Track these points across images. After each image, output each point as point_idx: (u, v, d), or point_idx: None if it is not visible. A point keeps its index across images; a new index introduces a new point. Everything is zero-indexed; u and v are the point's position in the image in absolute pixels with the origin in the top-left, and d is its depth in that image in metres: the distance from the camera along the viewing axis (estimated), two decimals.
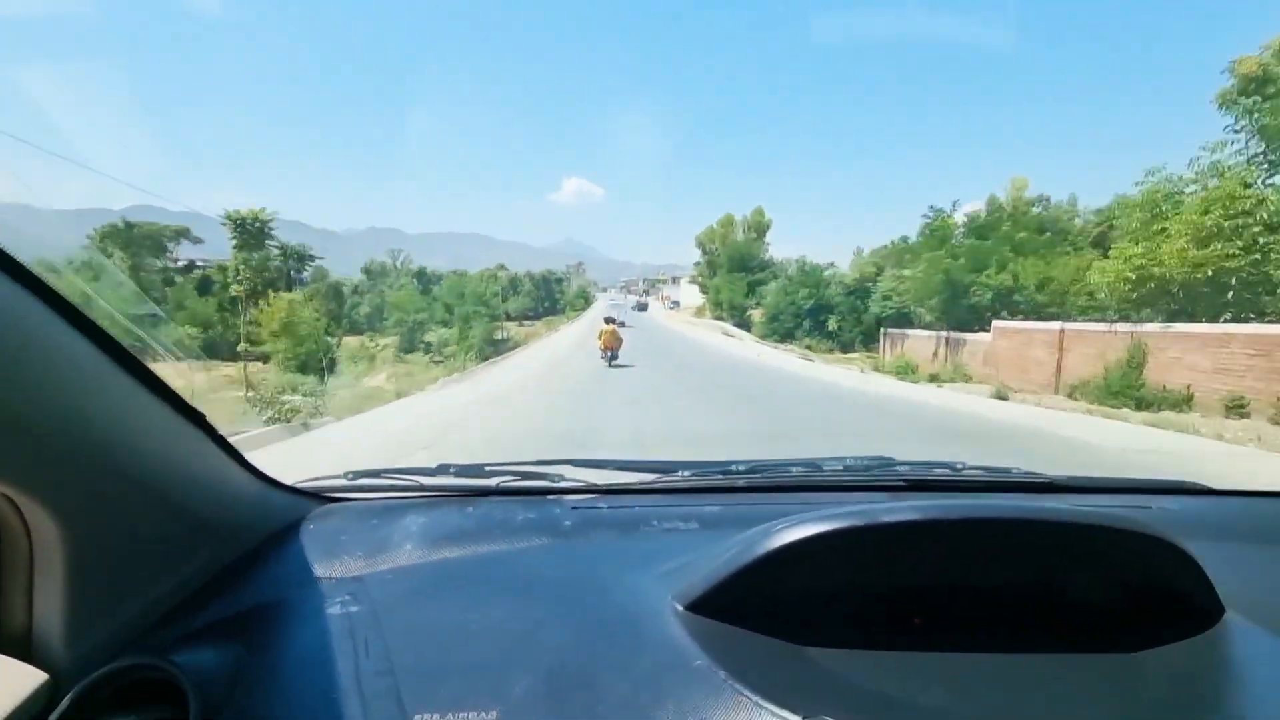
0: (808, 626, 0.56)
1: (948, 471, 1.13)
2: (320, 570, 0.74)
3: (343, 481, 1.01)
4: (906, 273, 23.54)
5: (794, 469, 1.14)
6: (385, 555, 0.77)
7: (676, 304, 72.93)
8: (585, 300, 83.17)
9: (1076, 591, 0.60)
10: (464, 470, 1.06)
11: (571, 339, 28.65)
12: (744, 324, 37.77)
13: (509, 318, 68.25)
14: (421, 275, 53.17)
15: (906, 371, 17.17)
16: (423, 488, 1.02)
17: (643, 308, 69.23)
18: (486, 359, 23.98)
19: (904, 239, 29.30)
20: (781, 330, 34.01)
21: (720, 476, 1.09)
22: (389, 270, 54.69)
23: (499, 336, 38.08)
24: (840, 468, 1.13)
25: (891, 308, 25.52)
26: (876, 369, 18.66)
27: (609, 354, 15.29)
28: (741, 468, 1.12)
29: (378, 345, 35.78)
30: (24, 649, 0.54)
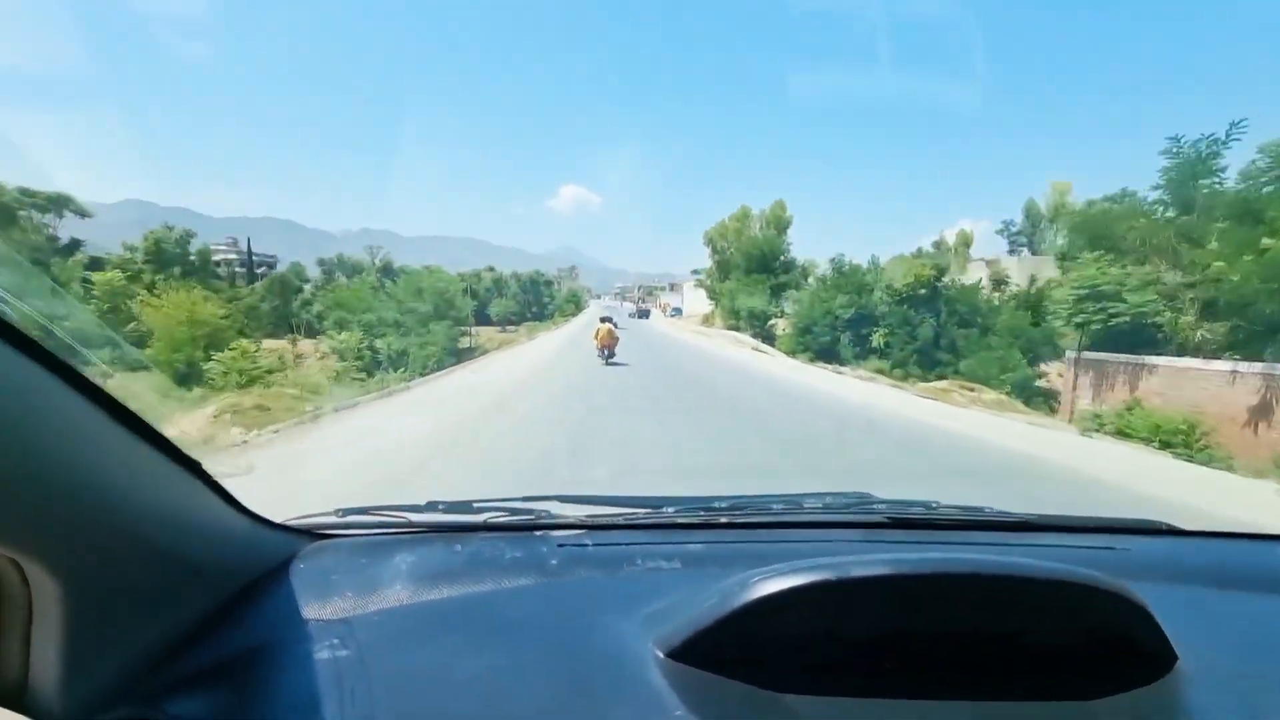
0: (785, 674, 0.59)
1: (922, 510, 1.14)
2: (311, 611, 0.74)
3: (333, 518, 1.01)
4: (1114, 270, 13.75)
5: (775, 505, 1.15)
6: (374, 595, 0.77)
7: (678, 311, 65.58)
8: (576, 305, 76.38)
9: (1039, 639, 0.63)
10: (452, 507, 1.06)
11: (541, 354, 21.52)
12: (766, 336, 31.02)
13: (492, 322, 61.46)
14: (388, 271, 45.80)
15: (1186, 443, 9.22)
16: (412, 524, 1.01)
17: (643, 314, 61.44)
18: (427, 374, 17.24)
19: (1099, 200, 18.57)
20: (816, 346, 27.25)
21: (704, 513, 1.10)
22: (364, 268, 47.50)
23: (465, 344, 31.35)
24: (820, 505, 1.15)
25: (1113, 316, 13.67)
26: (1093, 423, 10.85)
27: (605, 352, 15.54)
28: (724, 504, 1.13)
29: (318, 353, 28.98)
30: (18, 700, 0.54)
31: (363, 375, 26.37)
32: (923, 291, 27.32)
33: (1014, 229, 49.88)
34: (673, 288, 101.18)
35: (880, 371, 20.62)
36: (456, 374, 15.54)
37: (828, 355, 26.45)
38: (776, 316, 32.04)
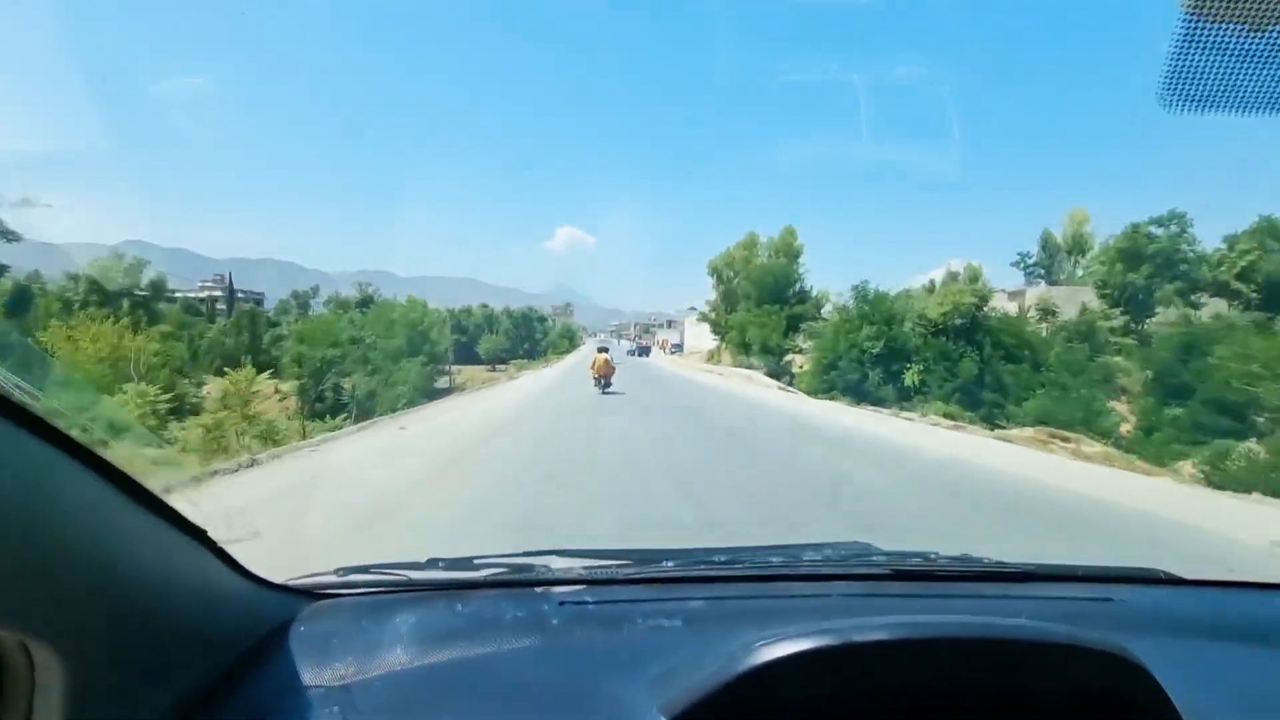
0: None
1: (921, 560, 1.14)
2: (312, 676, 0.74)
3: (333, 578, 1.01)
4: None
5: (774, 558, 1.15)
6: (376, 659, 0.77)
7: (679, 347, 62.20)
8: (570, 342, 73.12)
9: (1041, 700, 0.63)
10: (453, 564, 1.06)
11: (525, 395, 18.05)
12: (781, 373, 27.63)
13: (480, 360, 57.98)
14: (368, 304, 42.55)
15: None
16: (412, 583, 1.01)
17: (643, 351, 56.70)
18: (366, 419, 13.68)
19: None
20: (841, 383, 23.81)
21: (703, 566, 1.10)
22: (350, 304, 44.07)
23: (444, 383, 27.90)
24: (819, 557, 1.15)
25: None
26: None
27: (602, 381, 16.55)
28: (723, 558, 1.13)
29: (278, 393, 25.39)
30: None
31: (317, 418, 22.92)
32: (961, 322, 24.28)
33: (1030, 261, 47.52)
34: (670, 324, 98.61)
35: (948, 415, 16.85)
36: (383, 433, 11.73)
37: (855, 394, 23.04)
38: (793, 351, 28.76)
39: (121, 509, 0.59)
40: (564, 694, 0.72)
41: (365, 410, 21.33)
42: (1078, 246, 42.28)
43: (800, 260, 31.88)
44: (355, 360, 26.19)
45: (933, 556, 1.15)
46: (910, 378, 23.85)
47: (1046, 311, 27.03)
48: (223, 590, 0.76)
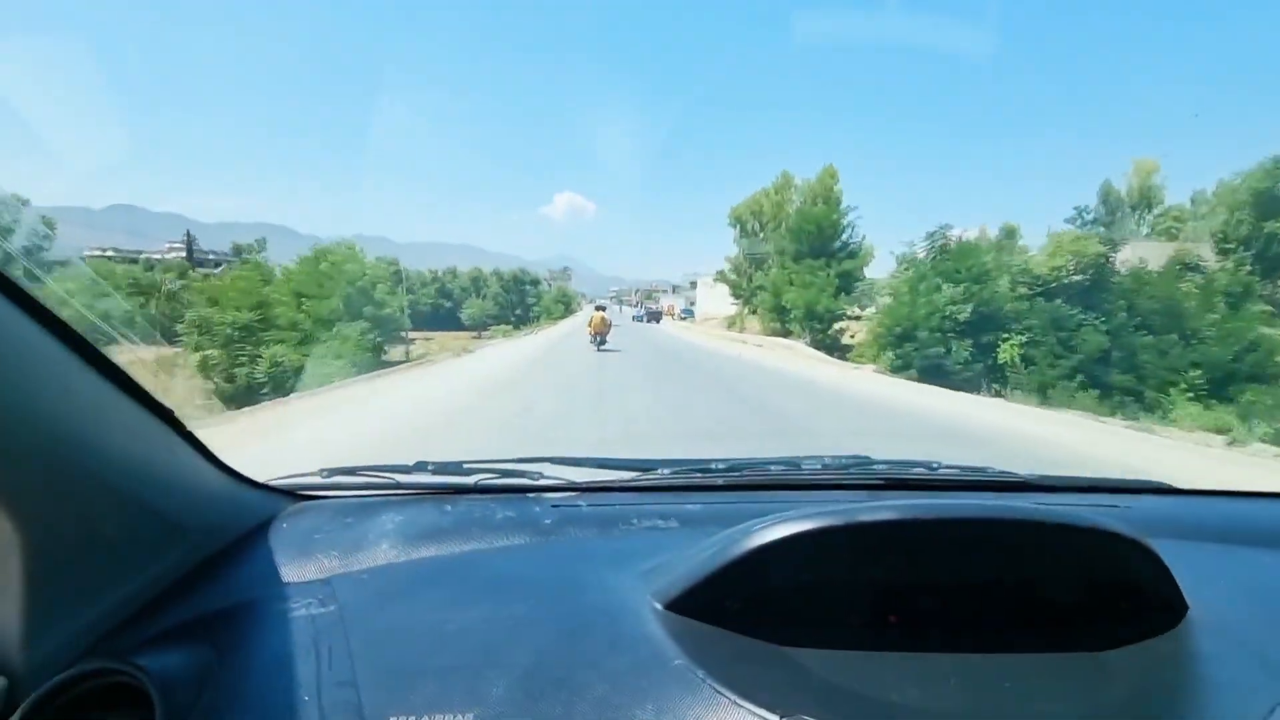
0: (785, 626, 0.57)
1: (924, 470, 1.14)
2: (293, 571, 0.72)
3: (317, 479, 0.99)
4: None
5: (773, 467, 1.14)
6: (360, 554, 0.75)
7: (689, 312, 54.96)
8: (566, 307, 66.54)
9: (1047, 589, 0.62)
10: (442, 468, 1.04)
11: (490, 370, 12.35)
12: (829, 344, 21.60)
13: (463, 326, 51.79)
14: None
15: None
16: (399, 485, 1.00)
17: (653, 317, 48.05)
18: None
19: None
20: (919, 360, 17.79)
21: (700, 475, 1.08)
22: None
23: (395, 355, 21.96)
24: (819, 466, 1.14)
25: None
26: None
27: (598, 338, 16.87)
28: (721, 466, 1.11)
29: (185, 366, 19.53)
30: None
31: (226, 400, 17.14)
32: (1081, 279, 18.20)
33: (1088, 216, 41.23)
34: (675, 289, 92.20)
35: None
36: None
37: (934, 373, 17.16)
38: (848, 317, 22.65)
39: (84, 378, 0.56)
40: (554, 585, 0.70)
41: (285, 389, 15.55)
42: (1145, 200, 36.09)
43: (845, 207, 25.17)
44: (284, 326, 20.02)
45: (935, 466, 1.16)
46: (1007, 352, 17.95)
47: (1186, 266, 20.70)
48: (197, 480, 0.75)
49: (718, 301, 42.70)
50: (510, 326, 35.08)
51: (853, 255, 24.33)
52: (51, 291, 0.60)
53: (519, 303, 61.35)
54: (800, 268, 23.76)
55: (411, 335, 38.69)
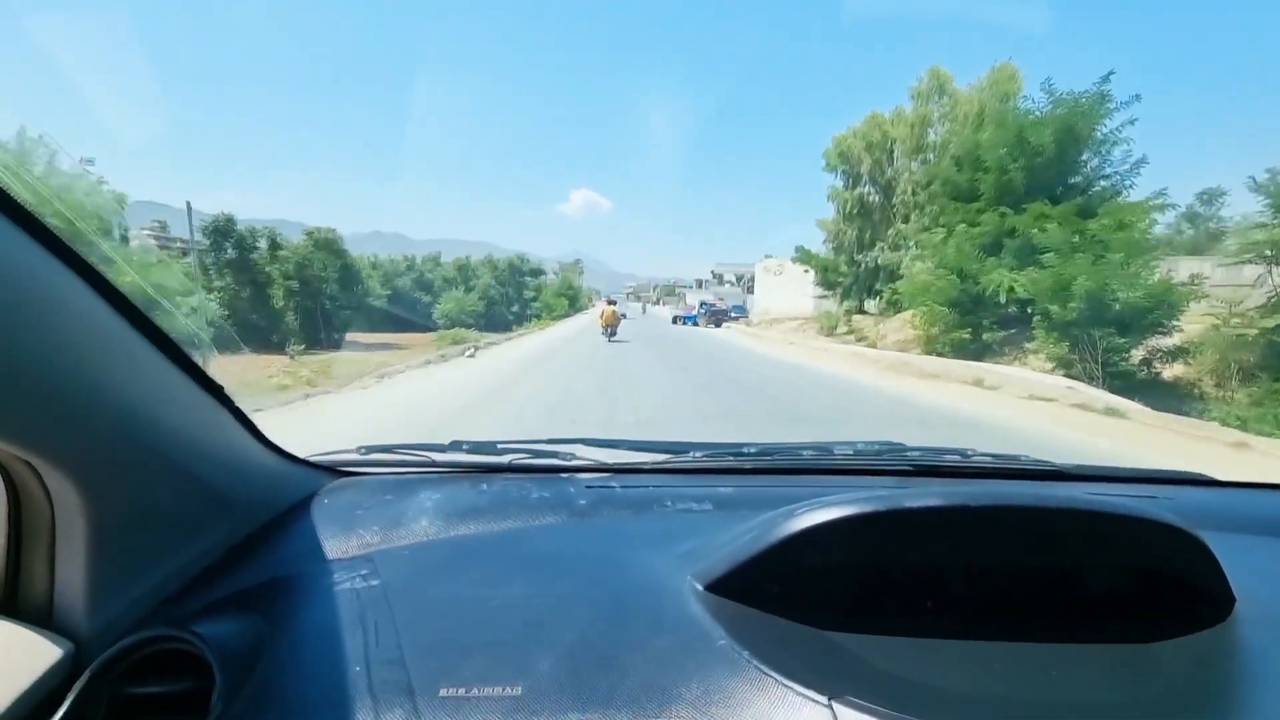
0: (827, 611, 0.57)
1: (957, 457, 1.12)
2: (338, 544, 0.74)
3: (356, 456, 1.01)
4: None
5: (805, 452, 1.13)
6: (401, 530, 0.77)
7: (740, 310, 36.31)
8: (572, 303, 53.78)
9: (1092, 580, 0.61)
10: (477, 447, 1.05)
11: None
12: (1125, 380, 9.30)
13: (430, 327, 39.60)
14: (225, 234, 24.29)
15: None
16: (435, 464, 1.01)
17: (715, 319, 30.28)
18: None
19: None
20: None
21: (732, 458, 1.08)
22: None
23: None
24: (851, 452, 1.13)
25: None
26: None
27: (609, 330, 16.80)
28: (753, 450, 1.11)
29: None
30: (46, 617, 0.54)
31: None
32: None
33: None
34: (702, 284, 79.59)
35: None
36: None
37: None
38: (1165, 327, 10.14)
39: (148, 355, 0.58)
40: (594, 564, 0.70)
41: None
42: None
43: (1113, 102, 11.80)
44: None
45: (969, 453, 1.13)
46: None
47: None
48: (246, 455, 0.76)
49: (789, 294, 30.23)
50: (475, 333, 22.21)
51: (1104, 196, 11.96)
52: (121, 271, 0.59)
53: (515, 296, 49.48)
54: (1027, 217, 11.52)
55: (354, 338, 26.94)
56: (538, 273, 54.58)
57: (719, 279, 76.52)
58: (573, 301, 54.00)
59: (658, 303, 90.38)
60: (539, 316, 41.06)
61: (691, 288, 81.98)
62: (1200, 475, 1.13)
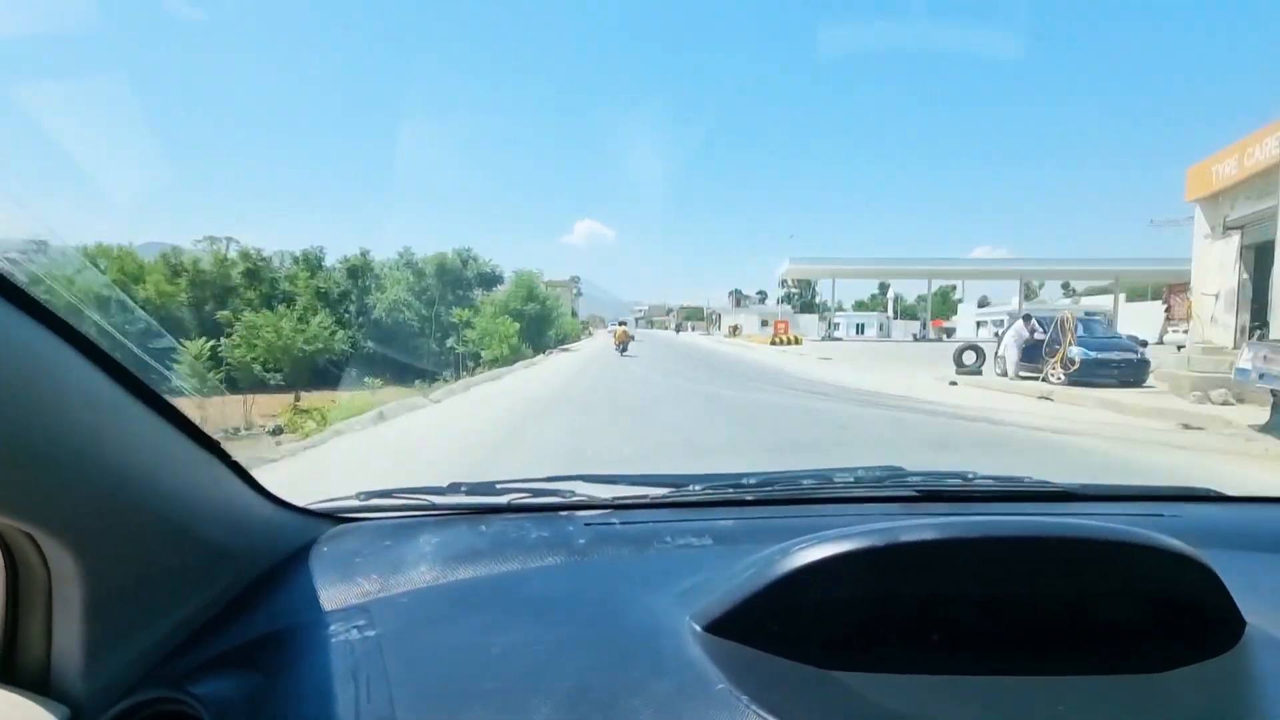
0: (827, 648, 0.56)
1: (959, 481, 1.11)
2: (335, 593, 0.73)
3: (354, 502, 1.01)
4: None
5: (805, 481, 1.12)
6: (400, 576, 0.76)
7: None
8: (537, 330, 29.70)
9: (1096, 608, 0.60)
10: (475, 488, 1.05)
11: None
12: None
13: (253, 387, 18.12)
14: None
15: None
16: (434, 506, 1.00)
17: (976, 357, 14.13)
18: None
19: None
20: None
21: (732, 490, 1.08)
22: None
23: None
24: (851, 479, 1.13)
25: None
26: None
27: (621, 346, 19.86)
28: (753, 480, 1.11)
29: None
30: (43, 683, 0.54)
31: None
32: None
33: None
34: (743, 301, 59.11)
35: None
36: None
37: None
38: None
39: (138, 414, 0.58)
40: (593, 606, 0.70)
41: None
42: None
43: None
44: None
45: (970, 476, 1.11)
46: None
47: None
48: (242, 507, 0.76)
49: None
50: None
51: None
52: (104, 329, 0.61)
53: (436, 329, 27.38)
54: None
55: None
56: (491, 280, 32.19)
57: (743, 300, 66.76)
58: (538, 330, 29.32)
59: (688, 328, 71.64)
60: (467, 364, 19.14)
61: (724, 314, 61.59)
62: (1209, 491, 1.11)
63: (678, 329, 52.14)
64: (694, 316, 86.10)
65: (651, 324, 71.63)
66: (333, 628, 0.65)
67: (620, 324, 22.13)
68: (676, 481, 1.09)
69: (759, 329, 51.71)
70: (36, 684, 0.53)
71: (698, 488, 1.06)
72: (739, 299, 66.78)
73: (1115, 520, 0.66)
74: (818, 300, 67.40)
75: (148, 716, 0.52)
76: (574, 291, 69.42)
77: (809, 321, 56.52)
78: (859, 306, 78.70)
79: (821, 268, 41.15)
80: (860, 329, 59.92)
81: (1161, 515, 0.97)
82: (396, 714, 0.52)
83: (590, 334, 53.24)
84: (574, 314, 61.87)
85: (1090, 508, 1.04)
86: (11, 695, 0.52)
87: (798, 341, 32.90)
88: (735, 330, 54.08)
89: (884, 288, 74.11)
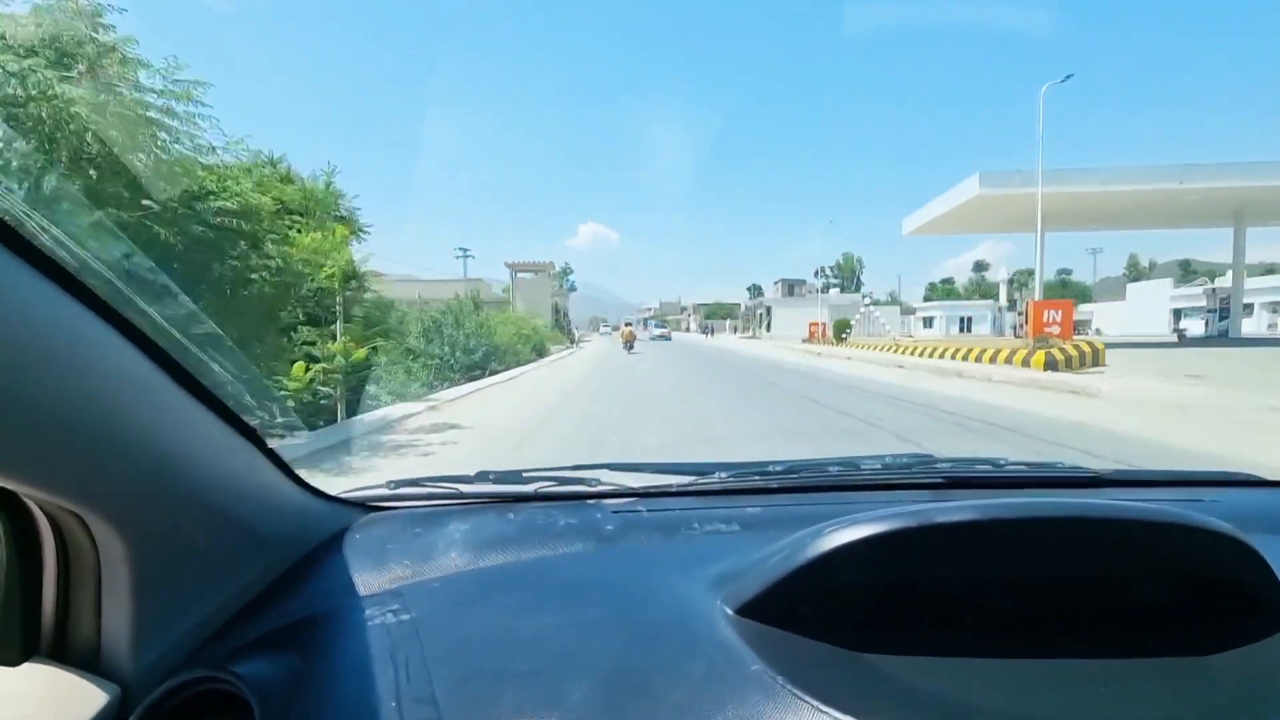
0: (860, 631, 0.55)
1: (990, 468, 1.10)
2: (369, 579, 0.74)
3: (385, 491, 1.02)
4: None
5: (832, 468, 1.12)
6: (432, 563, 0.77)
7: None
8: (534, 344, 19.90)
9: (1137, 590, 0.58)
10: (502, 477, 1.06)
11: None
12: None
13: None
14: None
15: None
16: (463, 495, 1.02)
17: None
18: None
19: None
20: None
21: (758, 478, 1.07)
22: None
23: None
24: (879, 466, 1.11)
25: None
26: None
27: (628, 345, 22.28)
28: (779, 468, 1.11)
29: None
30: (93, 662, 0.55)
31: None
32: None
33: None
34: (794, 289, 43.50)
35: None
36: None
37: None
38: None
39: (179, 400, 0.58)
40: (623, 589, 0.70)
41: None
42: None
43: None
44: None
45: (1002, 463, 1.11)
46: None
47: None
48: (278, 495, 0.77)
49: None
50: None
51: None
52: (147, 313, 0.60)
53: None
54: None
55: None
56: (357, 278, 15.85)
57: (793, 288, 58.04)
58: (527, 338, 18.66)
59: (710, 330, 55.98)
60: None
61: (776, 303, 45.44)
62: (1249, 476, 1.10)
63: (709, 331, 37.63)
64: (715, 314, 70.21)
65: (660, 325, 56.03)
66: (368, 612, 0.65)
67: (627, 324, 25.81)
68: (701, 470, 1.08)
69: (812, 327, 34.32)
70: (88, 662, 0.55)
71: (723, 475, 1.06)
72: (789, 288, 50.37)
73: (1154, 505, 0.63)
74: (863, 286, 51.48)
75: (192, 696, 0.53)
76: (557, 284, 52.34)
77: (890, 315, 38.73)
78: (941, 293, 61.78)
79: (1067, 190, 18.40)
80: (965, 325, 42.15)
81: (1201, 500, 0.96)
82: (436, 694, 0.52)
83: (578, 345, 36.31)
84: (561, 313, 44.52)
85: (1126, 493, 1.02)
86: (64, 673, 0.53)
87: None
88: (842, 332, 31.16)
89: (980, 266, 57.98)
